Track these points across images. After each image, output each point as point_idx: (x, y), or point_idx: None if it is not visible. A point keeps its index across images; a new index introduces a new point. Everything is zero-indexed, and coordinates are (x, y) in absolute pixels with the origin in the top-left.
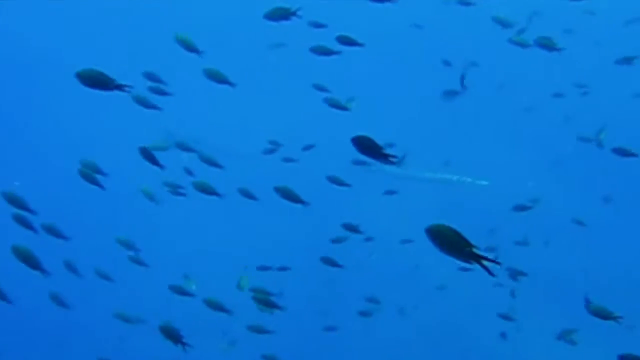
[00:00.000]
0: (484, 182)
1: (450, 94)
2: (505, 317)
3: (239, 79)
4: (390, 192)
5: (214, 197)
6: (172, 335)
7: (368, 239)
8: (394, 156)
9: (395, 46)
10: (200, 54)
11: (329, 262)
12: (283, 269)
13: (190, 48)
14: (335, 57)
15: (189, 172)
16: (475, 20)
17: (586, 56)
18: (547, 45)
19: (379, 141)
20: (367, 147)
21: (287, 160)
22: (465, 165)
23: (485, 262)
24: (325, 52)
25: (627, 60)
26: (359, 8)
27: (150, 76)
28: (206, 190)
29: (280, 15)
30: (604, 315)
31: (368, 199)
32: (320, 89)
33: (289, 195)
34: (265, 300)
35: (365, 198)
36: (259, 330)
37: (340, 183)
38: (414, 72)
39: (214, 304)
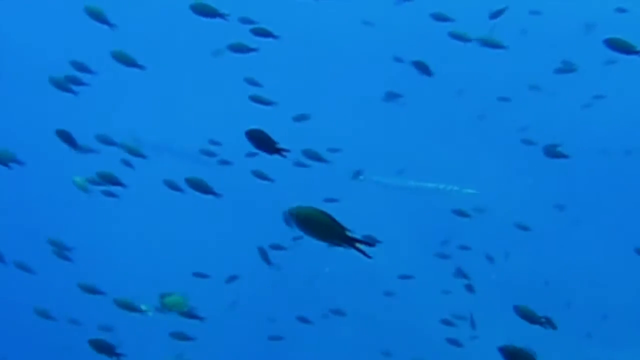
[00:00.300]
0: (471, 191)
1: (392, 96)
2: (450, 323)
3: (183, 78)
4: (331, 200)
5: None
6: (104, 348)
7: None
8: (287, 150)
9: (346, 45)
10: (112, 27)
11: (266, 258)
12: (233, 278)
13: (100, 20)
14: (285, 55)
15: (128, 164)
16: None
17: (543, 58)
18: (491, 43)
19: (329, 146)
20: (261, 141)
21: (224, 162)
22: (421, 172)
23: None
24: (243, 49)
25: (567, 70)
26: (310, 7)
27: (76, 65)
28: (111, 180)
29: (206, 12)
30: (531, 318)
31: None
32: (254, 84)
33: (200, 186)
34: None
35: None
36: (180, 337)
37: (264, 177)
38: (366, 73)
39: (126, 305)
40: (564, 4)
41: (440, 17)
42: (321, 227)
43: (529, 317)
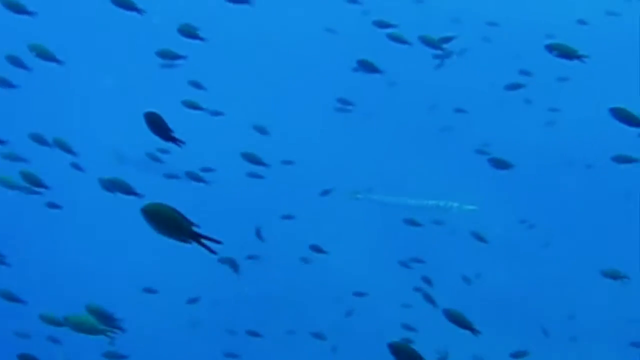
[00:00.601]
0: (471, 207)
1: (344, 102)
2: (406, 340)
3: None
4: (287, 217)
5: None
6: None
7: (305, 260)
8: (182, 142)
9: (309, 55)
10: (31, 14)
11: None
12: (193, 300)
13: (19, 10)
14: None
15: (78, 168)
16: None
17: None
18: (431, 43)
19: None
20: (157, 125)
21: (171, 176)
22: (383, 186)
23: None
24: (171, 56)
25: (515, 86)
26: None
27: (11, 59)
28: (32, 180)
29: (123, 3)
30: (461, 323)
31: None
32: (199, 87)
33: (122, 187)
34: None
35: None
36: (113, 356)
37: (200, 180)
38: (326, 84)
39: (51, 320)
40: (526, 16)
41: (382, 24)
42: (169, 222)
43: (459, 322)
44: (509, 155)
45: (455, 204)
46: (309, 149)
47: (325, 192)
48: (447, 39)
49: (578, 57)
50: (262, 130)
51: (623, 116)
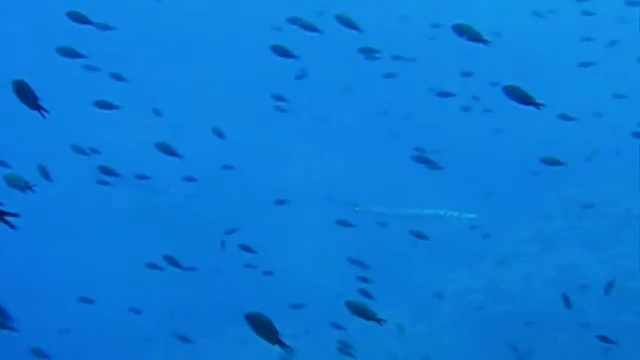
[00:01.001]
0: (471, 216)
1: (280, 100)
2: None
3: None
4: (231, 231)
5: None
6: None
7: (268, 273)
8: (47, 111)
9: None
10: None
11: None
12: (135, 311)
13: None
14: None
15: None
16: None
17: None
18: (348, 24)
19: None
20: (24, 93)
21: (103, 183)
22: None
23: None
24: (71, 54)
25: (445, 95)
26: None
27: None
28: None
29: None
30: (365, 315)
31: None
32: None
33: (19, 184)
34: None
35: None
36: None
37: (112, 173)
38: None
39: None
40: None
41: (295, 21)
42: None
43: (363, 314)
44: (459, 160)
45: (456, 214)
46: (257, 153)
47: (281, 202)
48: (370, 52)
49: (483, 41)
50: (211, 134)
51: (516, 95)
